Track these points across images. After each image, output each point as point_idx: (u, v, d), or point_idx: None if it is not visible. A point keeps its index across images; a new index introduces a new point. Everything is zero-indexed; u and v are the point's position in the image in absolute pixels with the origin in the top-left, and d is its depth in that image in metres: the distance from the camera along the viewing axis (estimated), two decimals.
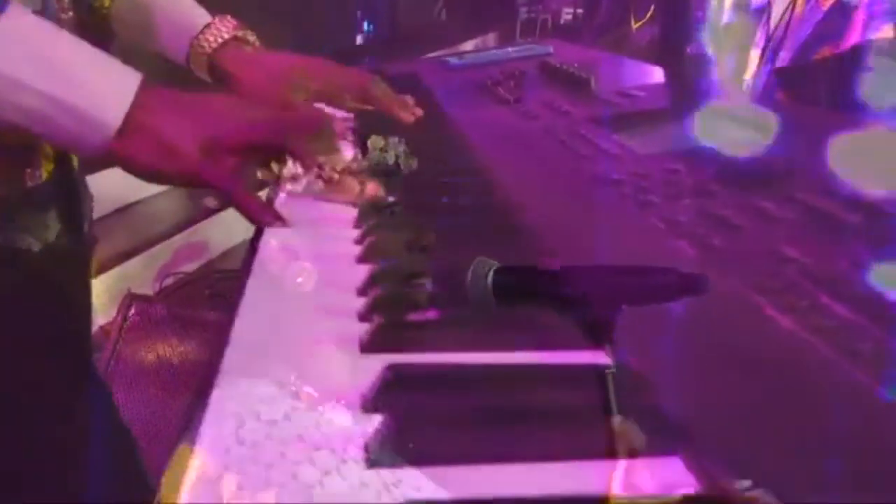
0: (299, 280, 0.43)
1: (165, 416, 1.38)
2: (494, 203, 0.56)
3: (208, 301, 2.31)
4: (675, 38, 1.11)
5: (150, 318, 1.61)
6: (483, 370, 0.32)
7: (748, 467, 0.26)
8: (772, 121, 0.68)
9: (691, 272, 0.32)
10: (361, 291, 0.41)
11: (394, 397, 0.30)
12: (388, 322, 0.35)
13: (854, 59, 1.47)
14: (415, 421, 0.27)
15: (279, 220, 0.56)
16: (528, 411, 0.30)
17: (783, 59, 1.61)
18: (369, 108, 0.72)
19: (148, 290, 2.25)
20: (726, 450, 0.27)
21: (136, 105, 0.53)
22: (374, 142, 0.66)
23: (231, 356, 0.34)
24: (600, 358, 0.36)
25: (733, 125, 0.71)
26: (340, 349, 0.36)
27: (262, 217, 0.56)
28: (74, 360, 0.68)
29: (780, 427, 0.28)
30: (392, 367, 0.31)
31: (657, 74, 1.09)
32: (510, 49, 1.32)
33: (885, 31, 1.42)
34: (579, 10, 7.07)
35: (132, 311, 1.57)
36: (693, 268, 0.41)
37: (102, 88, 0.53)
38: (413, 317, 0.36)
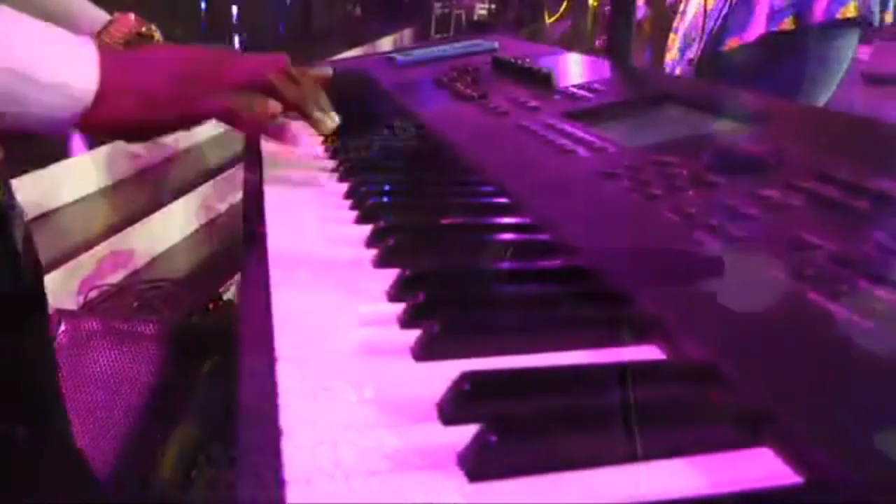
0: None
1: (112, 434, 1.32)
2: (500, 204, 0.55)
3: (137, 313, 2.22)
4: (623, 33, 1.13)
5: (82, 335, 1.53)
6: (554, 372, 0.32)
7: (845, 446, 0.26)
8: (742, 108, 0.70)
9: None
10: (394, 296, 0.40)
11: (476, 406, 0.29)
12: (443, 328, 0.34)
13: (759, 49, 1.55)
14: (511, 428, 0.26)
15: (293, 138, 0.59)
16: (609, 411, 0.29)
17: (696, 50, 1.67)
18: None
19: (72, 304, 2.14)
20: (818, 434, 0.28)
21: (103, 68, 0.52)
22: None
23: (285, 380, 0.32)
24: (654, 353, 0.36)
25: (699, 114, 0.73)
26: (390, 358, 0.34)
27: (279, 136, 0.58)
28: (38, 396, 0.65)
29: (863, 406, 0.29)
30: (468, 376, 0.30)
31: (607, 68, 1.10)
32: (456, 45, 1.31)
33: (786, 24, 1.49)
34: (493, 6, 7.15)
35: (62, 327, 1.49)
36: (721, 259, 0.42)
37: (67, 57, 0.51)
38: (466, 321, 0.35)
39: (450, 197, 0.57)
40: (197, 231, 2.72)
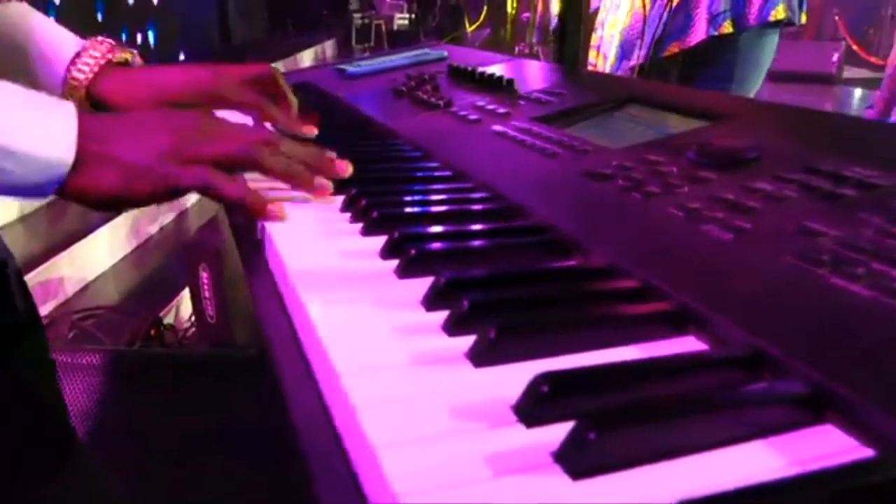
0: None
1: None
2: (503, 208, 0.56)
3: (72, 344, 2.12)
4: (573, 39, 1.16)
5: None
6: (623, 367, 0.33)
7: None
8: (706, 106, 0.73)
9: None
10: (431, 304, 0.40)
11: (557, 406, 0.30)
12: (499, 333, 0.34)
13: (698, 53, 1.64)
14: (607, 423, 0.27)
15: (276, 209, 0.55)
16: (682, 400, 0.30)
17: (637, 56, 1.73)
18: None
19: None
20: (881, 406, 0.29)
21: (82, 135, 0.50)
22: None
23: (358, 395, 0.31)
24: (691, 344, 0.37)
25: (666, 114, 0.76)
26: (449, 366, 0.34)
27: (263, 210, 0.54)
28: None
29: None
30: (545, 378, 0.30)
31: (560, 73, 1.13)
32: (406, 54, 1.32)
33: (725, 28, 1.59)
34: (413, 15, 7.19)
35: None
36: (737, 250, 0.43)
37: (44, 125, 0.49)
38: (519, 324, 0.35)
39: (450, 204, 0.58)
40: (129, 255, 2.62)
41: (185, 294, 2.30)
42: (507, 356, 0.34)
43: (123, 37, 3.95)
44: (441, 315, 0.39)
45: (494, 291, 0.40)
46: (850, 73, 6.29)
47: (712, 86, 1.60)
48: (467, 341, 0.36)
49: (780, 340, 0.34)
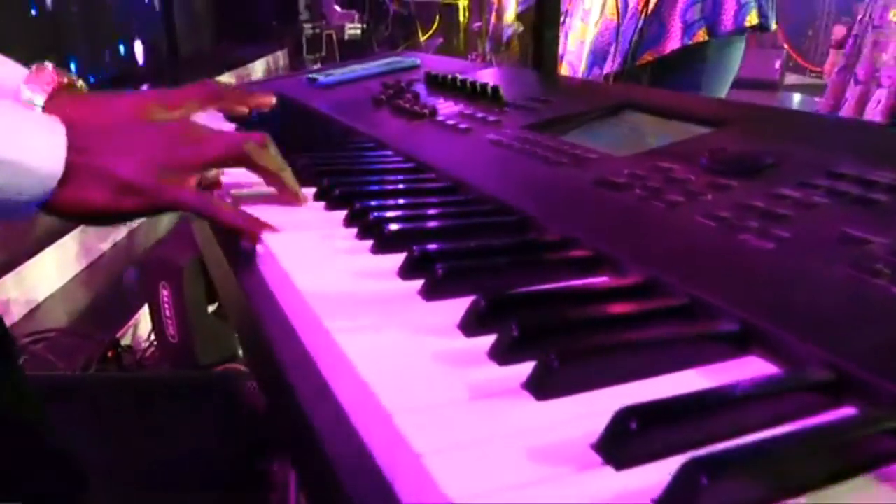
0: None
1: None
2: (517, 220, 0.53)
3: (25, 370, 2.01)
4: (550, 46, 1.14)
5: None
6: (703, 396, 0.30)
7: None
8: (703, 111, 0.72)
9: None
10: (471, 329, 0.37)
11: (647, 444, 0.27)
12: (562, 361, 0.31)
13: (669, 61, 1.64)
14: (718, 465, 0.24)
15: (269, 227, 0.52)
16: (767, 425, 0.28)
17: (611, 65, 1.73)
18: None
19: None
20: None
21: (71, 147, 0.48)
22: None
23: (418, 438, 0.28)
24: (756, 365, 0.35)
25: (664, 120, 0.74)
26: (509, 399, 0.31)
27: (252, 227, 0.52)
28: None
29: None
30: (631, 413, 0.27)
31: (538, 79, 1.11)
32: (377, 63, 1.28)
33: (700, 36, 1.60)
34: (364, 25, 7.15)
35: None
36: (783, 261, 0.41)
37: (31, 136, 0.46)
38: (581, 351, 0.32)
39: (461, 218, 0.54)
40: (80, 273, 2.52)
41: (143, 313, 2.21)
42: (571, 386, 0.31)
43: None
44: (483, 340, 0.36)
45: (541, 313, 0.37)
46: (790, 79, 6.52)
47: (688, 91, 1.61)
48: (520, 369, 0.33)
49: (861, 360, 0.31)
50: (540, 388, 0.31)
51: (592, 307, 0.38)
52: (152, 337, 2.06)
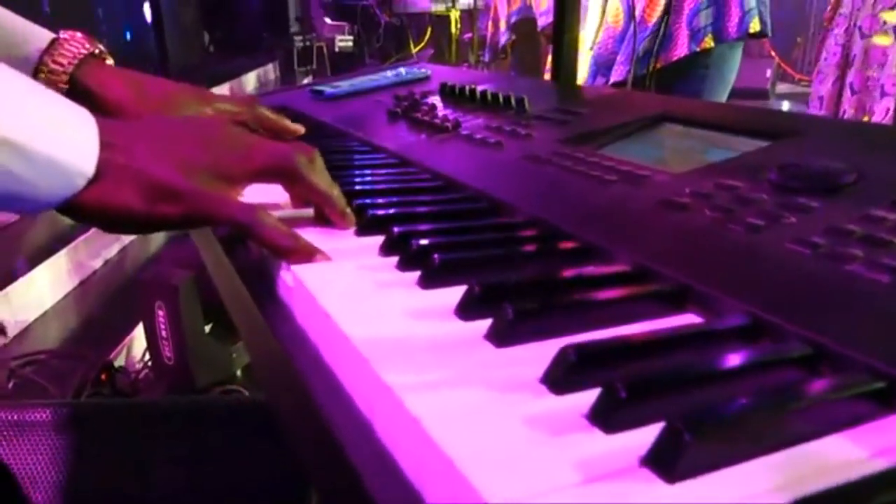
0: None
1: None
2: (579, 248, 0.48)
3: (14, 395, 1.95)
4: (568, 55, 1.09)
5: None
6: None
7: None
8: (753, 123, 0.66)
9: None
10: (560, 386, 0.31)
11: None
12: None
13: (672, 69, 1.63)
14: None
15: (324, 255, 0.47)
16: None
17: (618, 72, 1.70)
18: None
19: None
20: None
21: (104, 143, 0.43)
22: None
23: None
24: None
25: (710, 132, 0.69)
26: (620, 483, 0.25)
27: (306, 254, 0.46)
28: None
29: None
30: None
31: (556, 89, 1.06)
32: (384, 74, 1.23)
33: (706, 42, 1.59)
34: (355, 37, 7.13)
35: None
36: None
37: (64, 128, 0.40)
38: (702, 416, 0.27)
39: (511, 245, 0.49)
40: (71, 293, 2.44)
41: (136, 334, 2.14)
42: (708, 465, 0.25)
43: None
44: (576, 398, 0.30)
45: (639, 364, 0.31)
46: (781, 88, 6.55)
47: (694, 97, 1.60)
48: (633, 438, 0.27)
49: None
50: (670, 467, 0.25)
51: (699, 357, 0.32)
52: (146, 358, 1.99)
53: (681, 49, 1.56)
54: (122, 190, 0.42)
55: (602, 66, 1.70)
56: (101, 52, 0.63)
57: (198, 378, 1.88)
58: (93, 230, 2.60)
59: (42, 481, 1.18)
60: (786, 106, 5.84)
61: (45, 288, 2.31)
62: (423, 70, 1.22)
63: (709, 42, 1.57)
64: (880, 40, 2.74)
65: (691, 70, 1.63)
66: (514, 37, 4.03)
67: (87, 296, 2.46)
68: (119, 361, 2.07)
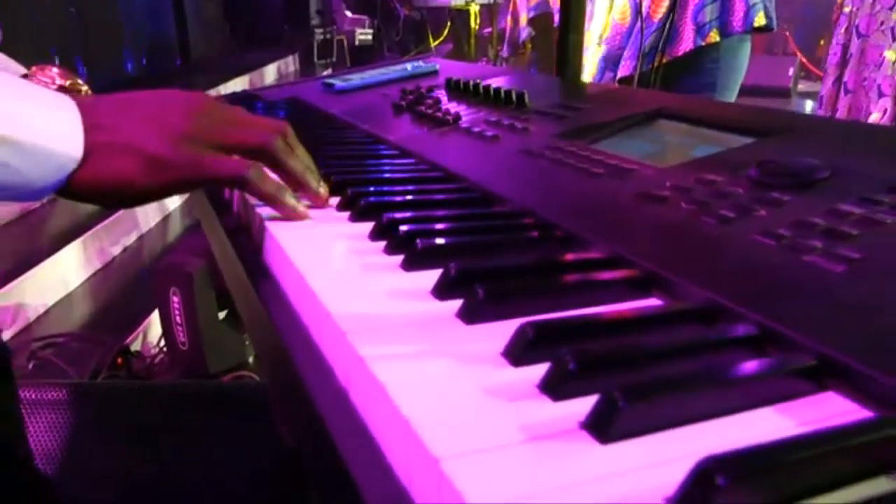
0: None
1: None
2: (558, 237, 0.50)
3: (34, 375, 2.00)
4: (573, 50, 1.11)
5: None
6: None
7: None
8: (744, 120, 0.68)
9: None
10: (518, 359, 0.33)
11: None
12: (629, 398, 0.28)
13: (680, 63, 1.64)
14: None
15: (305, 212, 0.53)
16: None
17: (625, 68, 1.72)
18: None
19: None
20: None
21: (88, 126, 0.45)
22: None
23: (469, 487, 0.25)
24: (839, 403, 0.32)
25: (703, 129, 0.71)
26: (565, 443, 0.28)
27: (289, 204, 0.52)
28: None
29: None
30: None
31: (560, 85, 1.08)
32: (394, 68, 1.25)
33: (711, 37, 1.60)
34: (375, 31, 7.15)
35: None
36: (860, 286, 0.38)
37: (49, 118, 0.43)
38: (643, 385, 0.29)
39: (496, 233, 0.51)
40: (91, 278, 2.50)
41: (152, 319, 2.19)
42: (639, 429, 0.28)
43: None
44: (532, 371, 0.32)
45: (593, 342, 0.34)
46: (803, 86, 6.49)
47: (697, 94, 1.61)
48: (578, 405, 0.29)
49: None
50: (603, 431, 0.28)
51: (651, 336, 0.35)
52: (161, 343, 2.04)
53: (686, 44, 1.58)
54: (112, 166, 0.45)
55: (610, 61, 1.72)
56: (73, 83, 0.64)
57: (211, 363, 1.93)
58: (112, 217, 2.65)
59: (53, 459, 1.22)
60: (808, 105, 5.79)
61: (65, 273, 2.37)
62: (431, 65, 1.25)
63: (714, 36, 1.59)
64: (890, 55, 2.70)
65: (700, 64, 1.64)
66: (534, 32, 4.04)
67: (106, 281, 2.51)
68: (136, 346, 2.12)
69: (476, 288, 0.38)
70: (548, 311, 0.38)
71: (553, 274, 0.43)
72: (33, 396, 1.40)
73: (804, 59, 6.61)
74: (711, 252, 0.44)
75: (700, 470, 0.24)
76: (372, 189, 0.59)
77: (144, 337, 2.19)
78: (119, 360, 1.94)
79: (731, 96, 1.71)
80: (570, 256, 0.46)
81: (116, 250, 2.69)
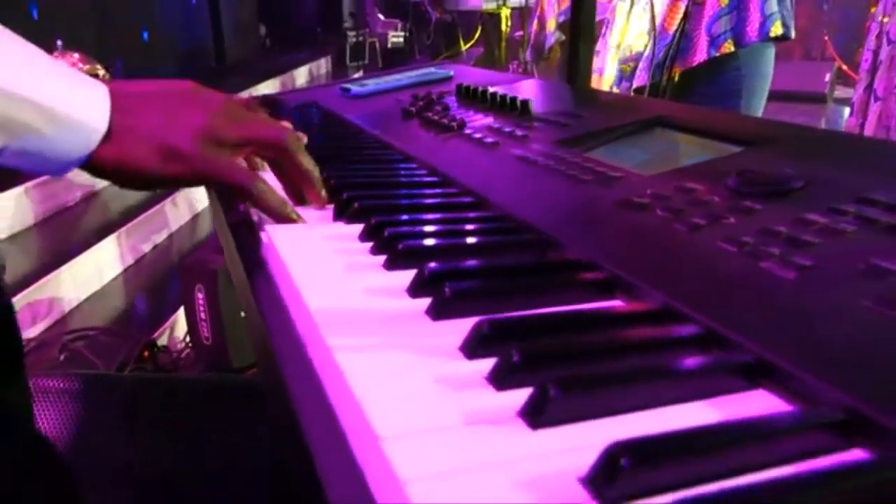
0: None
1: None
2: (536, 241, 0.53)
3: (64, 367, 2.07)
4: (583, 60, 1.13)
5: None
6: (701, 433, 0.29)
7: None
8: (737, 130, 0.70)
9: None
10: (473, 352, 0.36)
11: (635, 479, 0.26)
12: (563, 388, 0.30)
13: (696, 72, 1.64)
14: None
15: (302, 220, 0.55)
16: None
17: (640, 78, 1.73)
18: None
19: None
20: None
21: (114, 107, 0.49)
22: None
23: (406, 468, 0.27)
24: (765, 399, 0.34)
25: (696, 138, 0.73)
26: (501, 427, 0.30)
27: (290, 218, 0.55)
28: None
29: None
30: (621, 448, 0.26)
31: (570, 93, 1.10)
32: (410, 73, 1.28)
33: (726, 47, 1.60)
34: (406, 34, 7.20)
35: None
36: (803, 291, 0.40)
37: (80, 90, 0.47)
38: (581, 382, 0.32)
39: (478, 235, 0.54)
40: (122, 273, 2.57)
41: (179, 314, 2.25)
42: (568, 417, 0.30)
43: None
44: (484, 364, 0.35)
45: (545, 338, 0.36)
46: (840, 92, 6.37)
47: (720, 103, 1.61)
48: (518, 396, 0.32)
49: (880, 401, 0.30)
50: (534, 418, 0.30)
51: (599, 334, 0.37)
52: (188, 339, 2.10)
53: (700, 55, 1.58)
54: (135, 149, 0.49)
55: (624, 74, 1.73)
56: (92, 68, 0.69)
57: (234, 358, 1.98)
58: (144, 215, 2.73)
59: (74, 447, 1.27)
60: (846, 112, 5.68)
61: (98, 268, 2.44)
62: (445, 71, 1.28)
63: (728, 46, 1.58)
64: None
65: (719, 72, 1.63)
66: (563, 37, 4.05)
67: (137, 277, 2.59)
68: (162, 340, 2.18)
69: (444, 286, 0.41)
70: (512, 311, 0.41)
71: (521, 275, 0.45)
72: (60, 386, 1.46)
73: (843, 65, 6.50)
74: (675, 257, 0.46)
75: (608, 453, 0.26)
76: (366, 193, 0.63)
77: (171, 332, 2.25)
78: (146, 354, 2.00)
79: (759, 103, 1.69)
80: (542, 259, 0.48)
81: (147, 247, 2.76)
